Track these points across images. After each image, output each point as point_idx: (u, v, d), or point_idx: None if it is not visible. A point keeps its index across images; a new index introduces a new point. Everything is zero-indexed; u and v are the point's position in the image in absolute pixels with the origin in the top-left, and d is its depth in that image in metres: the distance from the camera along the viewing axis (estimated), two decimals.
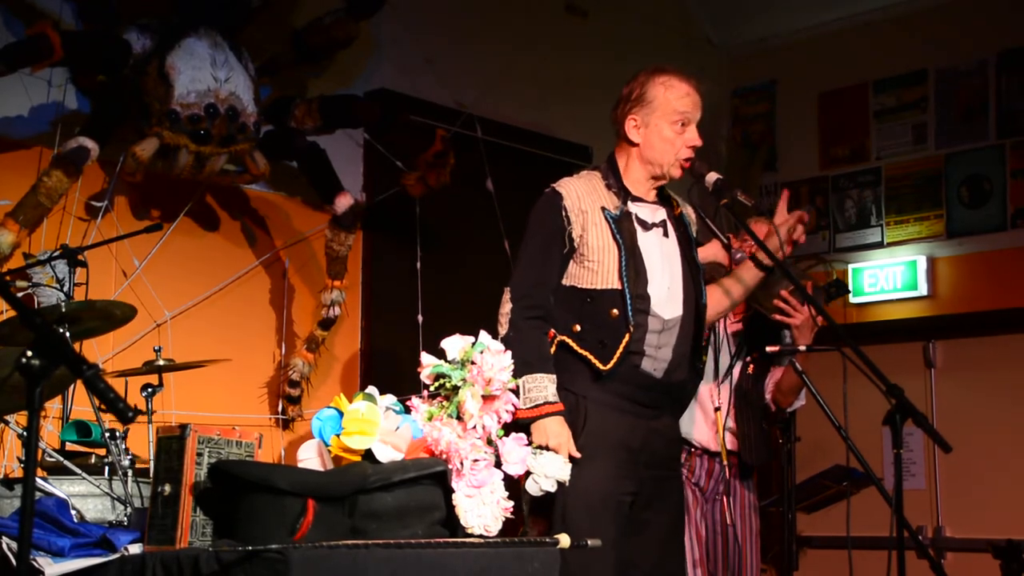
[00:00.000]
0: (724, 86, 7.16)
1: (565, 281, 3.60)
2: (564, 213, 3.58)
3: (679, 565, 3.74)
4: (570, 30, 6.46)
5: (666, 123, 3.63)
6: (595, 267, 3.56)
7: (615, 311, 3.52)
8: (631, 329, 3.51)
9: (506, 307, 3.56)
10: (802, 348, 4.08)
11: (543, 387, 3.46)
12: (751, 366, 4.46)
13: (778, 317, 4.29)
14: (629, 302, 3.52)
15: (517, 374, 3.39)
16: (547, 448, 3.37)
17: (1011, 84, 6.30)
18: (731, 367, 4.43)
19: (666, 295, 3.60)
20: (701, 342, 3.76)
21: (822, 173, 6.90)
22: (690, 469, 4.36)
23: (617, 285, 3.54)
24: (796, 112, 7.01)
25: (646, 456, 3.58)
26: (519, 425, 3.42)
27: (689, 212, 3.85)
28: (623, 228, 3.58)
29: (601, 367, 3.51)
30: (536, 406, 3.43)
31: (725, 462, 4.34)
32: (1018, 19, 6.28)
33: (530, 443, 3.16)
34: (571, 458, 3.28)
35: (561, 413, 3.45)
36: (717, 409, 4.37)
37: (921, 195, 6.52)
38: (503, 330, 3.54)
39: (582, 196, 3.60)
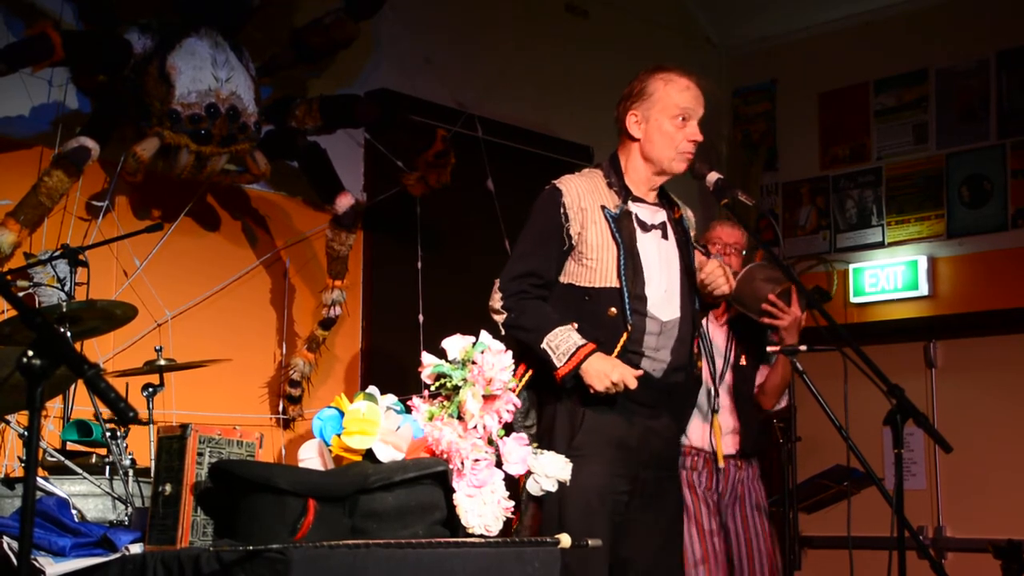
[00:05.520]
0: (724, 86, 7.16)
1: (563, 279, 3.60)
2: (563, 210, 3.58)
3: (676, 565, 3.73)
4: (570, 30, 6.46)
5: (666, 117, 3.62)
6: (593, 265, 3.56)
7: (613, 309, 3.52)
8: (628, 328, 3.52)
9: (495, 297, 3.57)
10: (803, 348, 4.09)
11: (567, 337, 3.46)
12: (743, 357, 4.50)
13: (767, 320, 4.33)
14: (627, 301, 3.52)
15: (536, 344, 3.44)
16: (614, 385, 3.41)
17: (1012, 84, 6.30)
18: (725, 369, 4.47)
19: (663, 297, 3.59)
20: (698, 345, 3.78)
21: (823, 173, 6.90)
22: (692, 469, 4.38)
23: (615, 284, 3.54)
24: (796, 112, 7.01)
25: (644, 455, 3.58)
26: (565, 385, 3.45)
27: (690, 215, 3.84)
28: (622, 227, 3.57)
29: None
30: (572, 355, 3.44)
31: (721, 464, 4.37)
32: (1018, 19, 6.28)
33: (530, 444, 3.16)
34: (568, 456, 3.26)
35: (596, 349, 3.46)
36: (715, 411, 4.40)
37: (922, 195, 6.52)
38: (500, 317, 3.55)
39: (583, 194, 3.60)
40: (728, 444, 4.45)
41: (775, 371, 4.53)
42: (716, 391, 4.43)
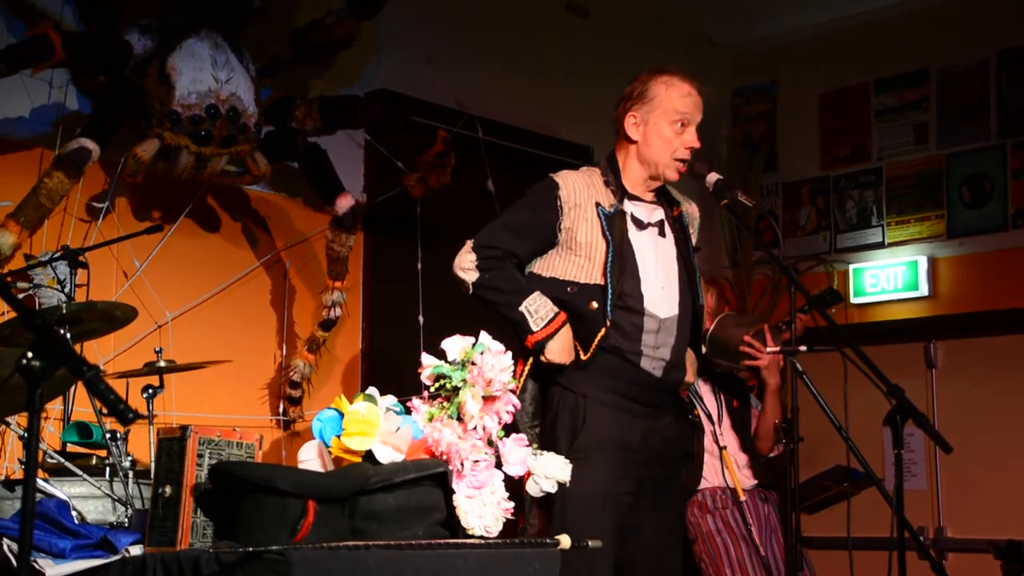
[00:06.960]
0: (725, 86, 7.16)
1: (550, 273, 3.62)
2: (558, 203, 3.61)
3: (676, 565, 3.74)
4: (571, 30, 6.46)
5: (665, 122, 3.64)
6: (582, 262, 3.59)
7: (594, 304, 3.55)
8: (607, 323, 3.53)
9: (467, 257, 3.60)
10: (803, 348, 4.09)
11: (544, 303, 3.55)
12: (734, 401, 4.59)
13: (747, 363, 4.39)
14: (609, 298, 3.54)
15: (512, 305, 3.51)
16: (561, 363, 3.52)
17: (1012, 84, 6.30)
18: (721, 413, 4.56)
19: (660, 294, 3.61)
20: (699, 342, 3.79)
21: (823, 173, 6.89)
22: (723, 508, 4.43)
23: (601, 281, 3.56)
24: (797, 112, 7.01)
25: (646, 455, 3.59)
26: (534, 350, 3.53)
27: (691, 211, 3.84)
28: (614, 226, 3.59)
29: (581, 356, 3.55)
30: (550, 321, 3.53)
31: (742, 496, 4.42)
32: (1019, 19, 6.28)
33: (530, 444, 3.16)
34: (570, 457, 3.27)
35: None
36: (723, 448, 4.47)
37: (922, 195, 6.52)
38: (470, 276, 3.58)
39: (579, 190, 3.62)
40: (746, 477, 4.51)
41: (765, 414, 4.59)
42: (718, 430, 4.50)
